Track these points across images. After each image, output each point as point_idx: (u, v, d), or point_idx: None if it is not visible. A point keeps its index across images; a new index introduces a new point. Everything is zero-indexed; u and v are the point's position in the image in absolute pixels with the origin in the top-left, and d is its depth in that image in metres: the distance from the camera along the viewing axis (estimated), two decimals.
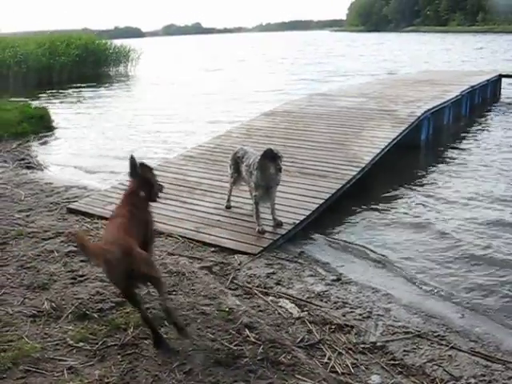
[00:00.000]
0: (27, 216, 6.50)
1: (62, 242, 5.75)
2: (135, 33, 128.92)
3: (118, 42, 32.72)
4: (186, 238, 5.93)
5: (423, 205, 7.66)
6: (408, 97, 12.80)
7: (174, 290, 4.67)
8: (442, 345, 4.07)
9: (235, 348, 3.79)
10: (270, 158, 5.81)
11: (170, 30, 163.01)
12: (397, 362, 3.83)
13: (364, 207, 7.45)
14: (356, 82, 19.21)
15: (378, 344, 4.04)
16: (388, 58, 36.50)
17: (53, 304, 4.38)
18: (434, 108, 11.51)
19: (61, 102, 20.24)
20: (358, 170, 7.77)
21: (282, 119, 11.10)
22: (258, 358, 3.69)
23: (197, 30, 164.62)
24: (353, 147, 8.79)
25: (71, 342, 3.83)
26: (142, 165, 4.31)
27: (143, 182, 4.27)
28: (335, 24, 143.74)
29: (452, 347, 4.04)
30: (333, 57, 39.30)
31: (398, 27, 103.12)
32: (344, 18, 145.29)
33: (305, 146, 8.98)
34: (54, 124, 14.24)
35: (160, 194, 4.50)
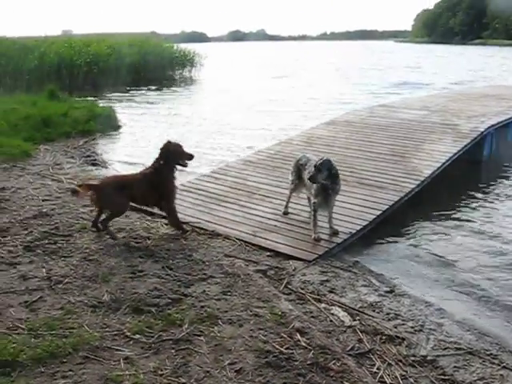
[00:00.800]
0: (91, 211, 6.74)
1: (123, 237, 5.96)
2: (201, 37, 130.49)
3: (183, 46, 33.21)
4: (242, 241, 6.04)
5: (483, 219, 7.54)
6: (472, 111, 12.58)
7: (228, 291, 4.77)
8: (493, 364, 4.03)
9: (286, 351, 3.86)
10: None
11: (235, 36, 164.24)
12: (446, 378, 3.81)
13: (422, 220, 7.40)
14: (420, 95, 18.97)
15: (429, 358, 4.04)
16: (454, 70, 35.76)
17: (112, 296, 4.55)
18: (498, 123, 11.27)
19: (127, 103, 20.77)
20: (417, 182, 7.74)
21: (343, 129, 11.13)
22: (308, 362, 3.75)
23: (261, 36, 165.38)
24: (413, 160, 8.75)
25: (128, 334, 3.98)
26: (168, 141, 6.06)
27: (164, 153, 5.97)
28: (400, 35, 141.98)
29: (504, 367, 3.99)
30: (398, 68, 38.70)
31: (464, 39, 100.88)
32: (409, 28, 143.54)
33: (364, 157, 8.99)
34: (119, 123, 14.64)
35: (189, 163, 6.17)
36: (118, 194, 5.86)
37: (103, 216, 5.99)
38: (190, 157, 6.12)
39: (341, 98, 20.57)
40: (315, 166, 5.97)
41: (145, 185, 5.94)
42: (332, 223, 6.25)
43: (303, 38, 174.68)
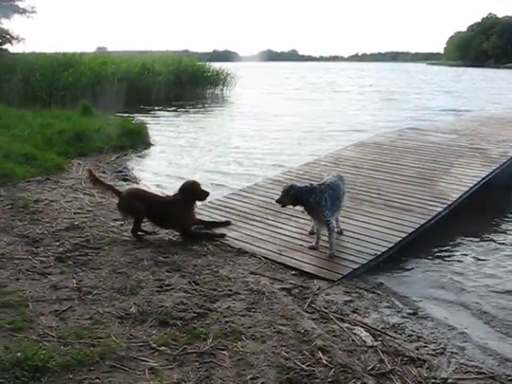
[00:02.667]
0: (121, 225, 6.90)
1: (151, 251, 6.10)
2: (233, 56, 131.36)
3: (216, 65, 33.54)
4: (268, 259, 6.13)
5: (510, 245, 7.50)
6: (502, 135, 12.48)
7: (253, 308, 4.86)
8: None
9: (307, 368, 3.93)
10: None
11: (267, 56, 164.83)
12: None
13: (448, 244, 7.37)
14: (450, 118, 18.89)
15: (449, 381, 4.05)
16: (487, 94, 35.50)
17: (139, 308, 4.68)
18: None
19: (158, 120, 21.08)
20: (444, 206, 7.75)
21: (372, 151, 11.18)
22: (329, 380, 3.81)
23: (293, 56, 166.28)
24: (440, 183, 8.75)
25: (154, 345, 4.09)
26: (187, 181, 6.96)
27: (182, 190, 6.72)
28: (432, 57, 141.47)
29: None
30: (431, 91, 38.50)
31: (498, 63, 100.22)
32: (441, 51, 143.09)
33: (392, 179, 9.03)
34: (150, 140, 14.86)
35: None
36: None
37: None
38: (206, 194, 6.90)
39: (371, 120, 20.52)
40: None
41: (163, 208, 6.63)
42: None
43: (334, 58, 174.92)
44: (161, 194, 7.58)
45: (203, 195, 6.85)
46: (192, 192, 6.74)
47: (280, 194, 6.39)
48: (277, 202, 6.42)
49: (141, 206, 6.53)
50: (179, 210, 6.58)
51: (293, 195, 6.24)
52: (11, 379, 3.56)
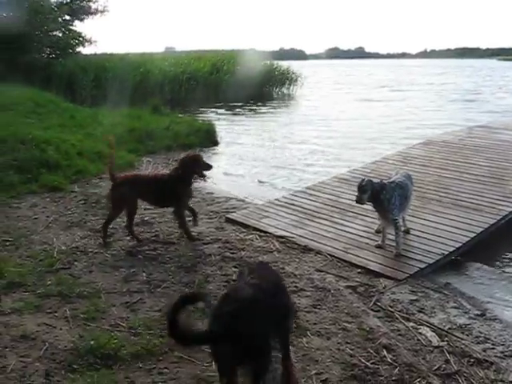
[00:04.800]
0: (189, 221, 7.06)
1: (219, 247, 6.23)
2: (299, 55, 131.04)
3: (282, 64, 33.48)
4: (334, 256, 6.15)
5: None
6: None
7: (318, 305, 4.91)
8: None
9: (371, 366, 3.96)
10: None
11: (334, 54, 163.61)
12: None
13: None
14: None
15: None
16: None
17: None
18: None
19: (226, 118, 21.33)
20: None
21: (440, 149, 11.00)
22: (393, 378, 3.82)
23: (360, 54, 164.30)
24: (511, 182, 8.53)
25: None
26: (187, 153, 6.62)
27: (181, 162, 6.34)
28: (503, 52, 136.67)
29: None
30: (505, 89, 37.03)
31: None
32: None
33: (461, 178, 8.86)
34: (218, 138, 15.06)
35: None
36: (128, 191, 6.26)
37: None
38: (208, 167, 6.45)
39: (441, 119, 20.02)
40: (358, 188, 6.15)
41: (154, 186, 6.33)
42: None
43: (402, 55, 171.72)
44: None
45: (204, 167, 6.40)
46: (192, 166, 6.34)
47: (354, 193, 6.31)
48: (356, 202, 6.26)
49: (131, 195, 6.27)
50: (175, 187, 6.28)
51: (369, 190, 6.09)
52: (85, 366, 3.75)
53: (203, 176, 6.59)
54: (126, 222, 6.43)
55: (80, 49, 26.13)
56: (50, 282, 4.94)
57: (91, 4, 25.48)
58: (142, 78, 24.17)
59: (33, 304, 4.63)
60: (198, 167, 6.36)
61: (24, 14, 20.75)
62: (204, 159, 6.52)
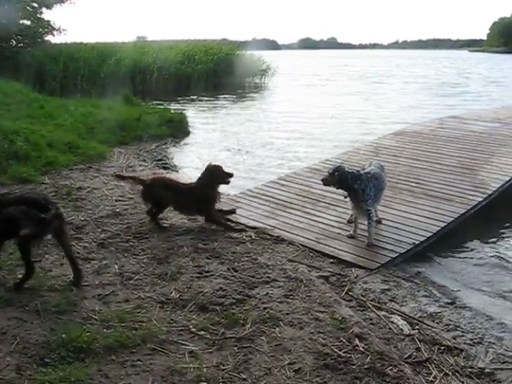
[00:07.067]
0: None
1: (191, 238, 6.21)
2: (271, 45, 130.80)
3: (255, 54, 33.34)
4: (306, 247, 6.18)
5: None
6: None
7: (291, 295, 4.92)
8: None
9: (344, 355, 3.98)
10: None
11: (306, 44, 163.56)
12: None
13: (488, 235, 7.31)
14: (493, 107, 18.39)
15: (487, 370, 4.06)
16: None
17: (180, 294, 4.79)
18: None
19: (198, 108, 21.22)
20: (485, 196, 7.67)
21: (411, 140, 11.09)
22: (365, 366, 3.86)
23: (332, 44, 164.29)
24: (481, 173, 8.66)
25: (194, 330, 4.20)
26: (209, 164, 6.85)
27: (205, 173, 6.71)
28: (474, 44, 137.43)
29: None
30: (476, 79, 37.29)
31: None
32: (484, 37, 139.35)
33: (432, 168, 8.96)
34: (190, 129, 15.00)
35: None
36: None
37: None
38: (230, 176, 6.77)
39: (413, 108, 20.16)
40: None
41: (185, 195, 6.61)
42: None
43: (374, 46, 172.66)
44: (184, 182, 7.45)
45: (227, 177, 6.76)
46: (216, 175, 6.71)
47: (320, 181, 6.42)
48: (321, 180, 6.46)
49: (165, 193, 6.58)
50: (204, 195, 6.58)
51: (338, 176, 6.22)
52: (57, 359, 3.71)
53: (228, 183, 6.84)
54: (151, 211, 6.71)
55: (49, 38, 25.77)
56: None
57: None
58: (113, 69, 23.88)
59: (3, 298, 4.55)
60: (222, 176, 6.75)
61: None
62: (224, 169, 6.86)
